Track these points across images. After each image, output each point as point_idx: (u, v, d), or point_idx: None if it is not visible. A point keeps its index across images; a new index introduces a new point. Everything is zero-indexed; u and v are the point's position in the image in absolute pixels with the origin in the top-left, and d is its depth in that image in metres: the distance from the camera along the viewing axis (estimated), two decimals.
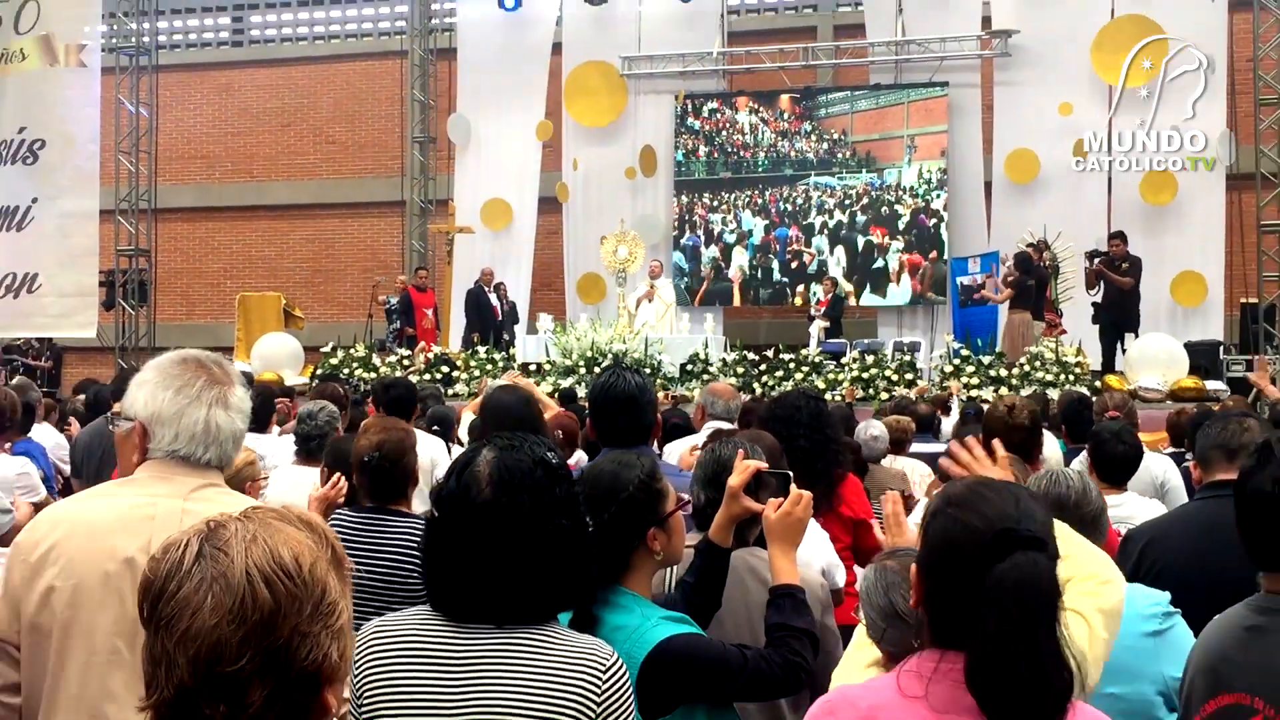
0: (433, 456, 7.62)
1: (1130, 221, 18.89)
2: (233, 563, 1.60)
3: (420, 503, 6.27)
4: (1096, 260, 17.54)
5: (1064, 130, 20.03)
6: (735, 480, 3.43)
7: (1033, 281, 17.03)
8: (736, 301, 22.58)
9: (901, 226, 21.85)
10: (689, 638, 3.05)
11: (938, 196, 21.64)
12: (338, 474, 5.21)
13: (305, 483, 6.06)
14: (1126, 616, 3.15)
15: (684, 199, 22.96)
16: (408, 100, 24.33)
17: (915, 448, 9.22)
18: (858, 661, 3.12)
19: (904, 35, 21.63)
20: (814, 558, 4.54)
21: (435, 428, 8.43)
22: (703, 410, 7.62)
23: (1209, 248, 19.61)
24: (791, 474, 3.56)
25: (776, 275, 22.63)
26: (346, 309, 24.70)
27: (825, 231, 22.31)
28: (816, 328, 18.89)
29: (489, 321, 19.79)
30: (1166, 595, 3.58)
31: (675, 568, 3.58)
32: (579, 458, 7.61)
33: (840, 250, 22.17)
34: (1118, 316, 17.38)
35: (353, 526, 4.80)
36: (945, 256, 21.37)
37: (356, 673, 2.59)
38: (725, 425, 7.91)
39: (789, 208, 22.58)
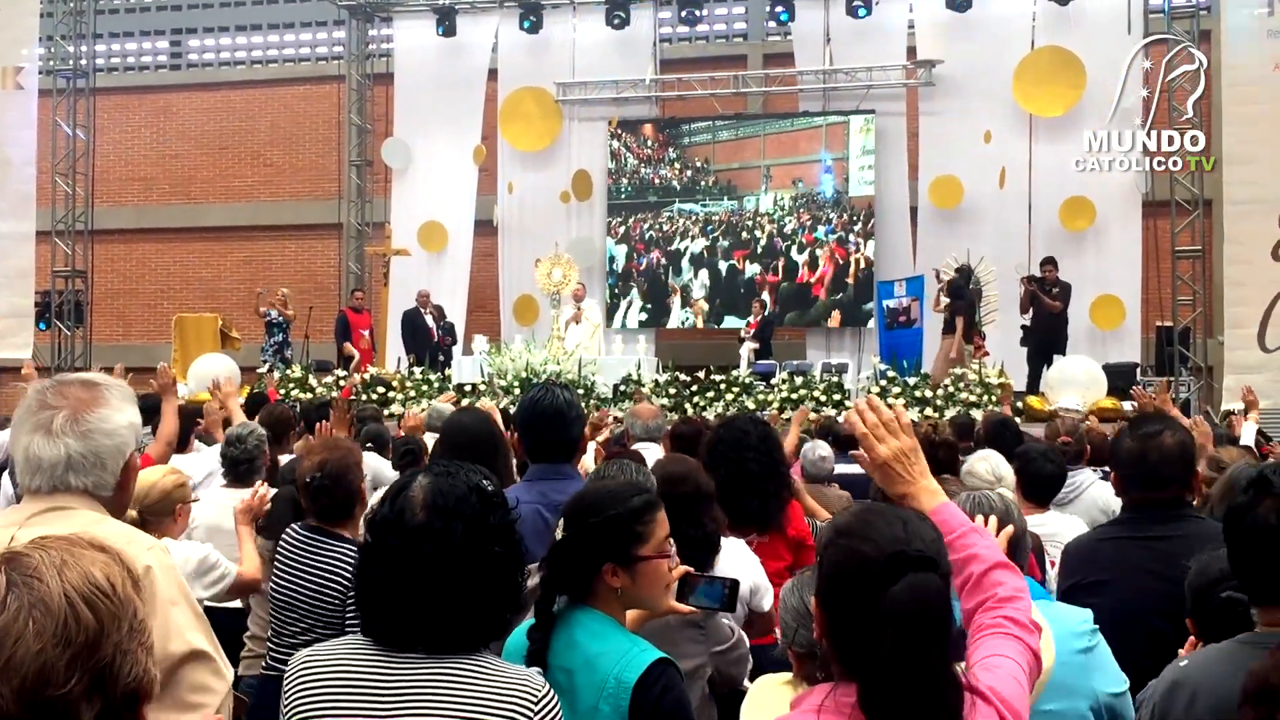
0: (375, 469, 7.79)
1: (1050, 247, 19.39)
2: (49, 588, 1.57)
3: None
4: (1030, 284, 18.03)
5: (986, 157, 20.50)
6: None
7: (965, 305, 17.56)
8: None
9: (759, 250, 22.53)
10: (674, 667, 2.99)
11: (789, 222, 22.36)
12: (263, 484, 5.30)
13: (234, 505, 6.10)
14: (1059, 635, 3.27)
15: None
16: (345, 124, 24.43)
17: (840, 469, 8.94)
18: (772, 680, 3.24)
19: (831, 64, 22.06)
20: (741, 579, 4.59)
21: (369, 445, 8.60)
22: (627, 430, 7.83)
23: (1126, 273, 20.10)
24: (738, 580, 3.47)
25: (642, 302, 23.07)
26: None
27: (689, 256, 22.92)
28: (747, 349, 19.18)
29: (424, 343, 19.90)
30: (1089, 614, 3.61)
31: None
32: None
33: (704, 274, 22.80)
34: (1047, 340, 17.86)
35: (294, 543, 4.90)
36: (795, 277, 22.26)
37: (287, 702, 2.58)
38: (651, 445, 8.21)
39: (653, 234, 23.08)
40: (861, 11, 21.38)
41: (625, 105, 23.30)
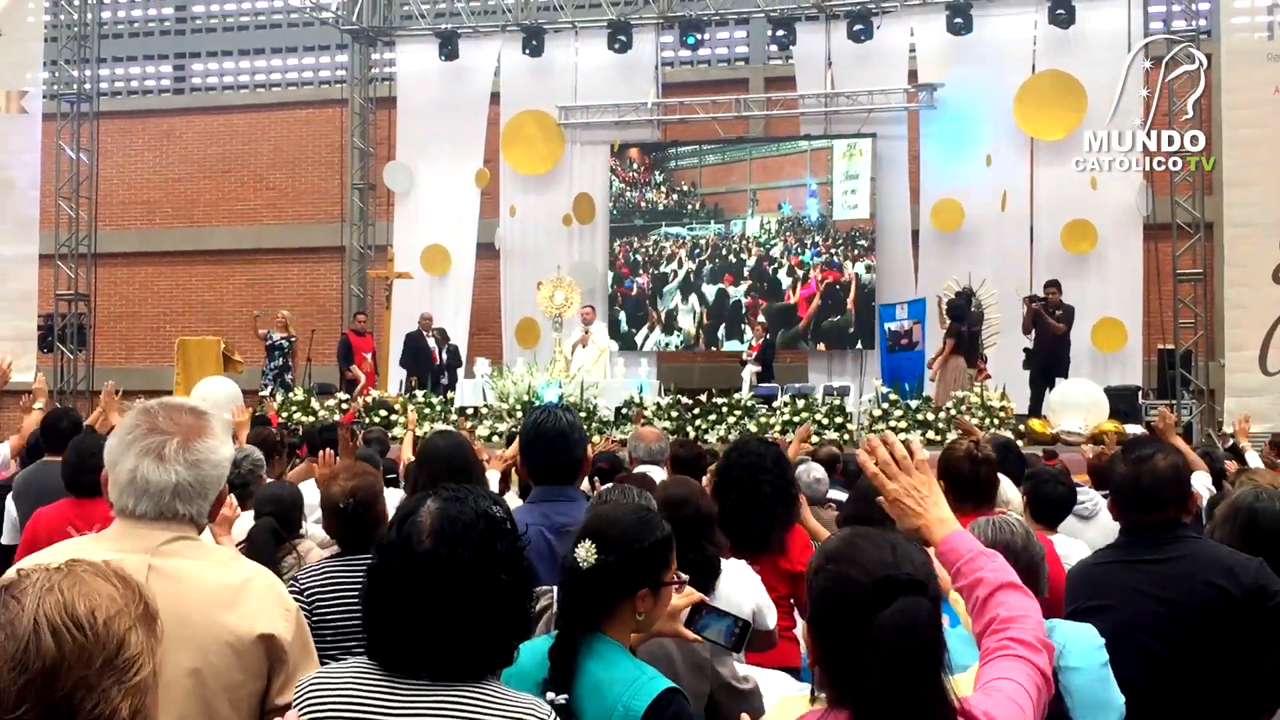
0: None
1: (1051, 269, 19.40)
2: (22, 610, 1.55)
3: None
4: (1034, 304, 18.04)
5: (988, 181, 20.54)
6: (677, 601, 3.27)
7: (965, 329, 17.52)
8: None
9: (746, 273, 22.57)
10: (683, 696, 2.99)
11: (775, 245, 22.42)
12: (232, 494, 5.25)
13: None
14: (1085, 651, 3.38)
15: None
16: (348, 147, 24.47)
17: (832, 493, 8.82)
18: (791, 698, 3.17)
19: (833, 88, 22.11)
20: (744, 599, 4.54)
21: None
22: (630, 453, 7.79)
23: (1127, 295, 20.11)
24: (750, 623, 3.45)
25: (624, 327, 23.04)
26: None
27: (676, 280, 22.95)
28: (749, 372, 19.18)
29: (426, 366, 19.93)
30: (1094, 629, 3.64)
31: None
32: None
33: (693, 298, 22.82)
34: (1049, 362, 17.82)
35: (323, 572, 4.81)
36: (781, 299, 22.28)
37: None
38: (654, 469, 8.19)
39: (639, 258, 23.11)
40: (863, 35, 21.43)
41: (627, 128, 23.35)
